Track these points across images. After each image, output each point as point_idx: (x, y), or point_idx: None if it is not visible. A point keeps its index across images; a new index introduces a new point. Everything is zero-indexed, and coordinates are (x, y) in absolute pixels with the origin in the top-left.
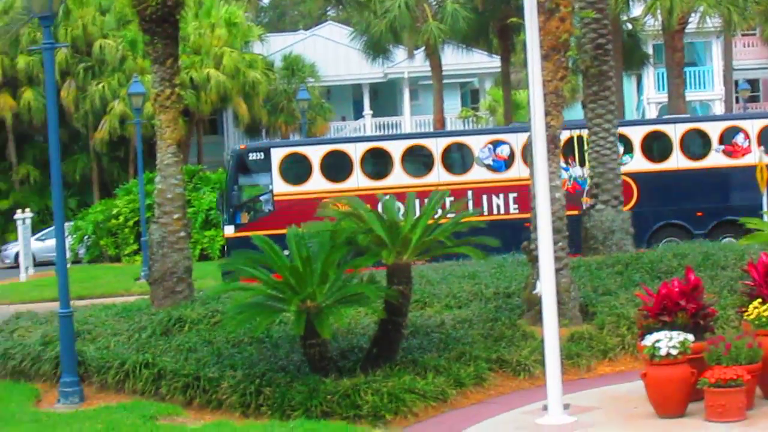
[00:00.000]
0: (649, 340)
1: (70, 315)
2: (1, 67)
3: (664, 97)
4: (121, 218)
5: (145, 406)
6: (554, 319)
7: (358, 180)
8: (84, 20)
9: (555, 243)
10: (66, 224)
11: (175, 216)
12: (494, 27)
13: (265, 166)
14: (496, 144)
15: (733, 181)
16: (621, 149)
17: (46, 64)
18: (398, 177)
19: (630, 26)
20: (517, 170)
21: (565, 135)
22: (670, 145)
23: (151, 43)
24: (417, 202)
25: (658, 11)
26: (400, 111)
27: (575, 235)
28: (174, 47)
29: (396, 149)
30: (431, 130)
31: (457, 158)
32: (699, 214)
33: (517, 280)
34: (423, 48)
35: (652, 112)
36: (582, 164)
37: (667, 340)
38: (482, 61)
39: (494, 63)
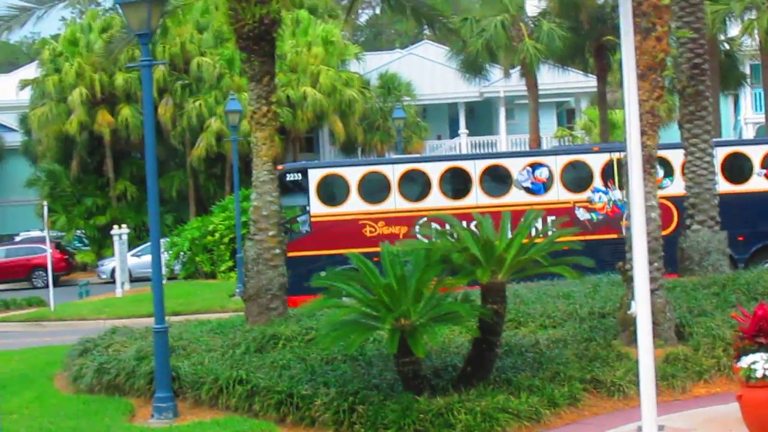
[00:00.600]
0: (745, 362)
1: (165, 330)
2: (99, 85)
3: (761, 117)
4: (217, 235)
5: (239, 423)
6: (649, 339)
7: (395, 202)
8: (182, 38)
9: (650, 263)
10: (162, 240)
11: (271, 233)
12: (590, 46)
13: (302, 187)
14: (534, 167)
15: None
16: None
17: (144, 80)
18: (436, 199)
19: (727, 46)
20: (556, 193)
21: (604, 158)
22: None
23: (248, 61)
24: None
25: (755, 31)
26: (496, 130)
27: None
28: (271, 65)
29: (434, 171)
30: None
31: (496, 181)
32: (740, 238)
33: (612, 300)
34: (519, 67)
35: (749, 132)
36: (621, 187)
37: (764, 362)
38: (578, 81)
39: (590, 82)
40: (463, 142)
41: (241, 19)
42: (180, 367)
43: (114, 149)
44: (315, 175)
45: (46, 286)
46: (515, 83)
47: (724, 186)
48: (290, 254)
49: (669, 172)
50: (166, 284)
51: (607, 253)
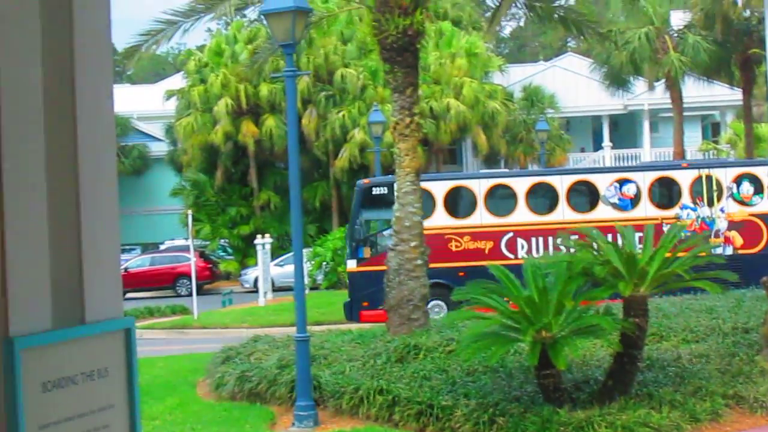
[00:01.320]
0: None
1: (306, 340)
2: (244, 95)
3: None
4: None
5: None
6: None
7: (481, 217)
8: (326, 49)
9: None
10: (305, 250)
11: (413, 244)
12: (736, 59)
13: (388, 200)
14: (622, 182)
15: None
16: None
17: (287, 90)
18: (522, 214)
19: None
20: (644, 209)
21: (693, 174)
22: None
23: (392, 72)
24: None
25: None
26: (639, 143)
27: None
28: (414, 76)
29: (520, 186)
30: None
31: (583, 196)
32: None
33: (756, 315)
34: (663, 80)
35: None
36: (711, 204)
37: None
38: (723, 94)
39: (736, 95)
40: (607, 155)
41: (384, 30)
42: (321, 376)
43: (258, 159)
44: None
45: (190, 295)
46: (660, 96)
47: None
48: (374, 268)
49: (759, 189)
50: (308, 294)
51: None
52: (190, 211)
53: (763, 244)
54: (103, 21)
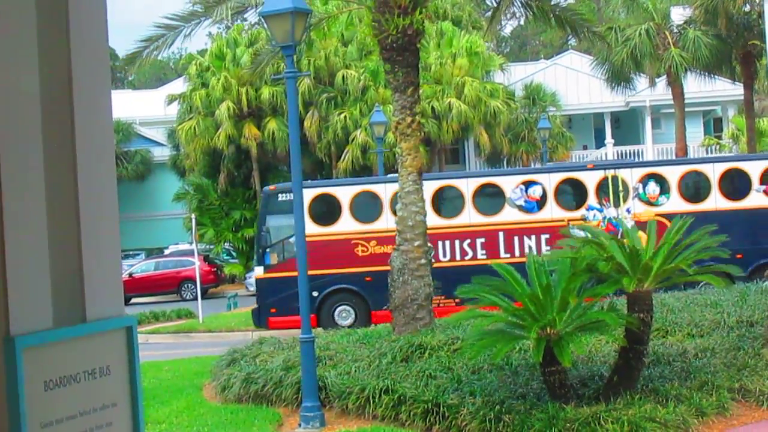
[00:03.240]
0: None
1: (311, 341)
2: (246, 98)
3: None
4: None
5: None
6: None
7: (388, 221)
8: (326, 51)
9: None
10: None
11: (416, 243)
12: (737, 54)
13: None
14: (528, 185)
15: None
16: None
17: (288, 92)
18: (429, 218)
19: None
20: (550, 211)
21: (598, 175)
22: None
23: (392, 72)
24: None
25: None
26: (642, 139)
27: None
28: (414, 75)
29: (429, 190)
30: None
31: (489, 199)
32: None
33: (761, 308)
34: (665, 76)
35: None
36: (617, 205)
37: None
38: (725, 89)
39: (737, 90)
40: (609, 151)
41: (384, 30)
42: (327, 376)
43: (260, 162)
44: (307, 195)
45: (195, 298)
46: (661, 92)
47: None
48: (282, 274)
49: (665, 189)
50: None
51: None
52: (193, 215)
53: None
54: (99, 26)
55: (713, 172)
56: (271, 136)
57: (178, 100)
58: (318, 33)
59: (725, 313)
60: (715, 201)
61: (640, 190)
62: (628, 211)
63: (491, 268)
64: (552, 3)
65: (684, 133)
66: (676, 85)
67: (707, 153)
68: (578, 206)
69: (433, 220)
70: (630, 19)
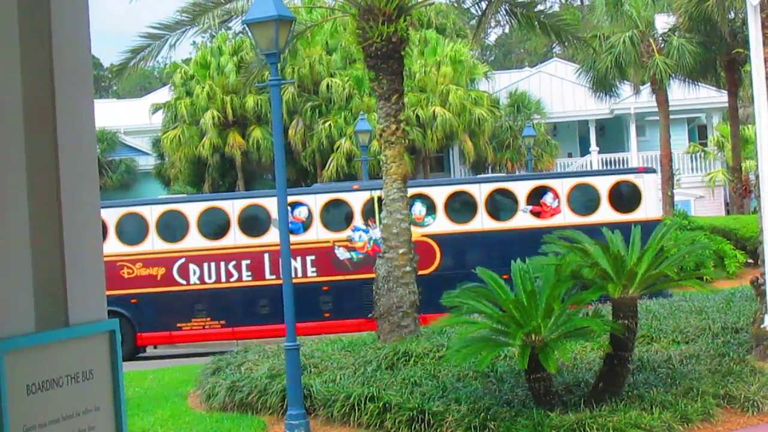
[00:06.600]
0: None
1: (296, 349)
2: (230, 107)
3: None
4: None
5: None
6: None
7: (153, 243)
8: (311, 60)
9: None
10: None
11: (401, 251)
12: (721, 61)
13: None
14: (293, 206)
15: None
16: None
17: (273, 99)
18: (194, 240)
19: None
20: (315, 232)
21: (365, 196)
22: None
23: (377, 80)
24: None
25: None
26: (627, 147)
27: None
28: (399, 83)
29: (191, 212)
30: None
31: (257, 222)
32: None
33: (746, 315)
34: (649, 83)
35: None
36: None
37: None
38: (710, 96)
39: (722, 98)
40: (594, 159)
41: (369, 38)
42: (312, 384)
43: (245, 171)
44: None
45: None
46: (646, 100)
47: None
48: None
49: (431, 210)
50: None
51: (368, 294)
52: None
53: (435, 265)
54: (82, 35)
55: (480, 192)
56: (256, 144)
57: (162, 108)
58: (302, 41)
59: (710, 319)
60: (482, 221)
61: None
62: None
63: (259, 289)
64: (536, 10)
65: (668, 141)
66: (660, 93)
67: (692, 161)
68: (345, 227)
69: (199, 241)
70: (614, 27)
